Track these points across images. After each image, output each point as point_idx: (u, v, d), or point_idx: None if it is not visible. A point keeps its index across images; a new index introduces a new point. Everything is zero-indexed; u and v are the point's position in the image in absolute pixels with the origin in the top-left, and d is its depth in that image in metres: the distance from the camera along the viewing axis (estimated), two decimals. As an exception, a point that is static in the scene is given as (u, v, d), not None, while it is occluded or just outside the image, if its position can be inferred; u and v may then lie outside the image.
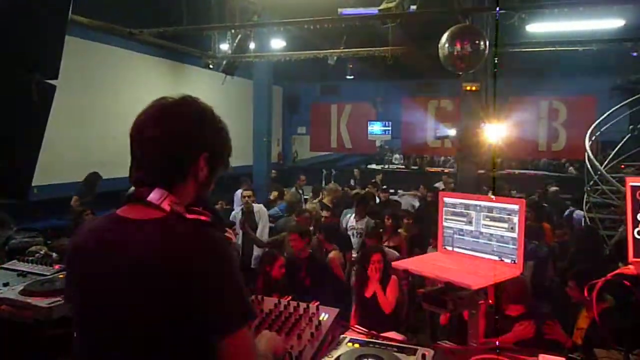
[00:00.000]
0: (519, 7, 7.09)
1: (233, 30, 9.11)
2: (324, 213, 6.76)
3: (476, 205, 2.20)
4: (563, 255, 5.93)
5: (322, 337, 1.70)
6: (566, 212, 8.49)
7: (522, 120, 11.55)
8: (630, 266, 1.74)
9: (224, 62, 9.62)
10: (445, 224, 2.32)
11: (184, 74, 11.77)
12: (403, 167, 16.26)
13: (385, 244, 5.93)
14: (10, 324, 1.99)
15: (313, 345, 1.66)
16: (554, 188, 10.11)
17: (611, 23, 8.79)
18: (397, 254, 5.52)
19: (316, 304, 1.86)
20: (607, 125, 9.15)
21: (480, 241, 2.17)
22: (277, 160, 15.94)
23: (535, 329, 3.50)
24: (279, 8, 9.14)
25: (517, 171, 14.47)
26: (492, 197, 2.14)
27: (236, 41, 9.07)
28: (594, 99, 11.15)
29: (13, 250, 4.71)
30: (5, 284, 2.20)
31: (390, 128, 13.79)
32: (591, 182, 8.37)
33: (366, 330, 1.98)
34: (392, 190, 11.34)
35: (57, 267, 2.49)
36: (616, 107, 9.43)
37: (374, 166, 16.77)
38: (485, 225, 2.15)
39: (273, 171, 12.59)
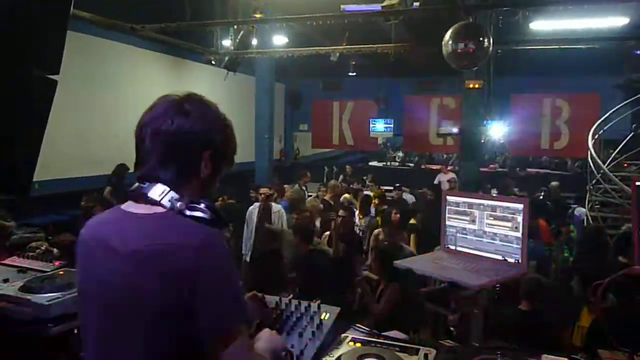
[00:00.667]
0: (522, 4, 7.05)
1: (235, 27, 9.06)
2: (341, 212, 6.36)
3: (480, 204, 2.18)
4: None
5: (324, 337, 1.69)
6: (569, 211, 8.49)
7: (525, 118, 11.54)
8: (636, 267, 1.72)
9: (226, 58, 9.58)
10: (448, 222, 2.30)
11: (186, 70, 11.75)
12: (412, 164, 16.26)
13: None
14: (10, 321, 1.98)
15: (314, 345, 1.65)
16: (554, 183, 10.12)
17: (615, 21, 8.76)
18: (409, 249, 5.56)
19: (317, 302, 1.85)
20: (610, 123, 9.13)
21: (484, 240, 2.16)
22: (279, 157, 15.92)
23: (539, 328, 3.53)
24: (281, 4, 9.13)
25: (518, 169, 14.47)
26: (495, 194, 2.13)
27: (238, 37, 9.03)
28: (597, 96, 11.08)
29: (14, 246, 4.72)
30: (5, 280, 2.19)
31: (392, 125, 13.75)
32: (594, 181, 8.35)
33: (368, 330, 1.96)
34: (390, 188, 11.37)
35: (57, 263, 2.48)
36: (619, 105, 9.41)
37: (375, 163, 16.76)
38: (489, 224, 2.13)
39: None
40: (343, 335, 1.86)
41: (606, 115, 9.18)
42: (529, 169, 14.47)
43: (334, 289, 4.52)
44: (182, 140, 1.27)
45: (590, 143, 8.47)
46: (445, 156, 17.16)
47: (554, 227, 6.99)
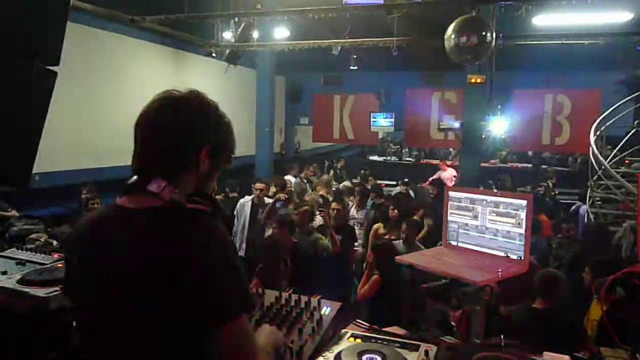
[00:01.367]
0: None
1: (236, 19, 9.01)
2: (334, 205, 6.41)
3: (482, 200, 2.16)
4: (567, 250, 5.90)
5: (324, 332, 1.68)
6: (572, 207, 8.47)
7: (526, 114, 11.50)
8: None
9: (227, 51, 9.54)
10: (450, 218, 2.28)
11: (186, 62, 11.67)
12: (412, 159, 16.20)
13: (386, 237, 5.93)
14: (7, 313, 1.97)
15: (314, 340, 1.63)
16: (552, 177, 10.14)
17: (618, 17, 8.69)
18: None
19: (318, 297, 1.83)
20: (612, 119, 9.10)
21: (486, 236, 2.14)
22: (279, 150, 15.88)
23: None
24: (283, -3, 9.06)
25: (519, 165, 14.46)
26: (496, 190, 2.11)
27: (239, 30, 8.97)
28: (599, 91, 11.04)
29: (14, 238, 4.72)
30: (4, 273, 2.18)
31: (393, 119, 13.71)
32: (595, 177, 8.33)
33: (368, 325, 1.95)
34: (392, 182, 11.39)
35: (56, 255, 2.46)
36: (621, 101, 9.37)
37: (375, 157, 16.73)
38: (491, 220, 2.12)
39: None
40: (343, 331, 1.85)
41: (608, 111, 9.14)
42: (529, 165, 14.45)
43: (323, 282, 4.50)
44: (181, 136, 1.29)
45: (592, 139, 8.45)
46: (443, 152, 17.08)
47: (554, 223, 7.00)
